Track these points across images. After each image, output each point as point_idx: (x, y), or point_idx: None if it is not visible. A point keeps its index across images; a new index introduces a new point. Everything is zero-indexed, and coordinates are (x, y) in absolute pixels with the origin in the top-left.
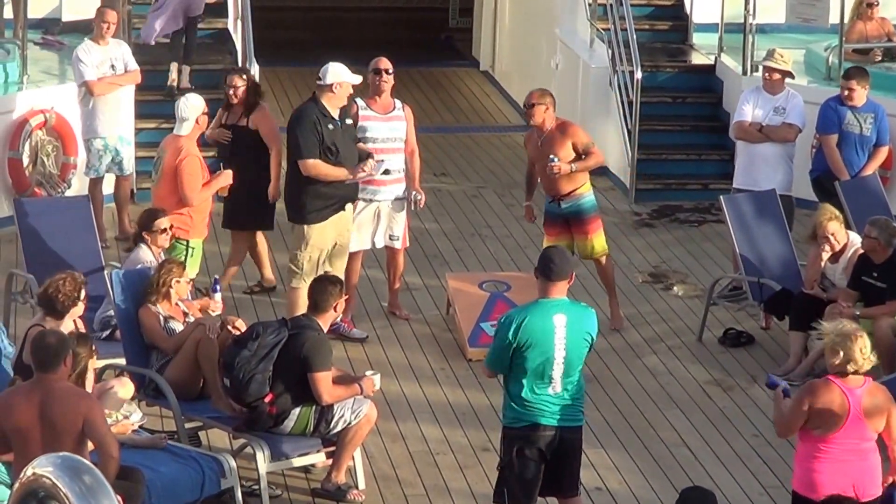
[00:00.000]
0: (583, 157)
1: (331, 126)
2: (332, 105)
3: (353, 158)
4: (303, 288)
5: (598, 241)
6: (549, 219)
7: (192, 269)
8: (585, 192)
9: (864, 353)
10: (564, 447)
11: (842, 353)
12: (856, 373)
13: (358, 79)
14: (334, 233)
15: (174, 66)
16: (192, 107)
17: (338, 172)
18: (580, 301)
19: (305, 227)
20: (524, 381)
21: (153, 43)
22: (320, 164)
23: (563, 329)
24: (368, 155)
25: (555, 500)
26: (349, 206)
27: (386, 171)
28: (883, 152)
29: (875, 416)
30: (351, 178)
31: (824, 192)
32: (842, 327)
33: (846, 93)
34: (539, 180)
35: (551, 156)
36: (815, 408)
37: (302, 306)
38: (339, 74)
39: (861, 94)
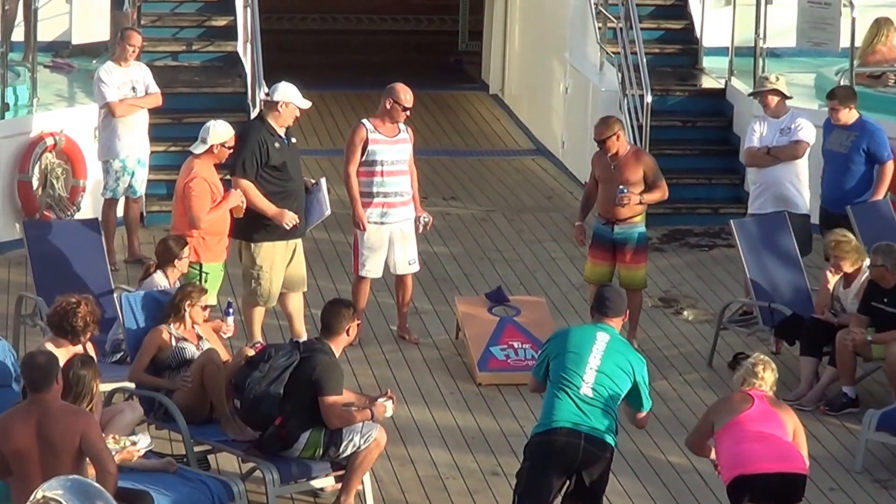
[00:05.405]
0: (650, 187)
1: (277, 145)
2: (278, 124)
3: (300, 176)
4: (259, 307)
5: (641, 273)
6: (597, 241)
7: (209, 295)
8: (640, 221)
9: (766, 372)
10: (589, 458)
11: (746, 377)
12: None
13: (307, 104)
14: (284, 257)
15: None
16: (213, 133)
17: (264, 206)
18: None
19: (252, 244)
20: (554, 386)
21: None
22: (250, 189)
23: (603, 343)
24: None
25: None
26: (299, 244)
27: (396, 195)
28: (885, 170)
29: (782, 411)
30: (274, 217)
31: (828, 222)
32: (752, 361)
33: (832, 113)
34: (596, 201)
35: (621, 186)
36: (717, 407)
37: (256, 323)
38: (287, 94)
39: (845, 113)
